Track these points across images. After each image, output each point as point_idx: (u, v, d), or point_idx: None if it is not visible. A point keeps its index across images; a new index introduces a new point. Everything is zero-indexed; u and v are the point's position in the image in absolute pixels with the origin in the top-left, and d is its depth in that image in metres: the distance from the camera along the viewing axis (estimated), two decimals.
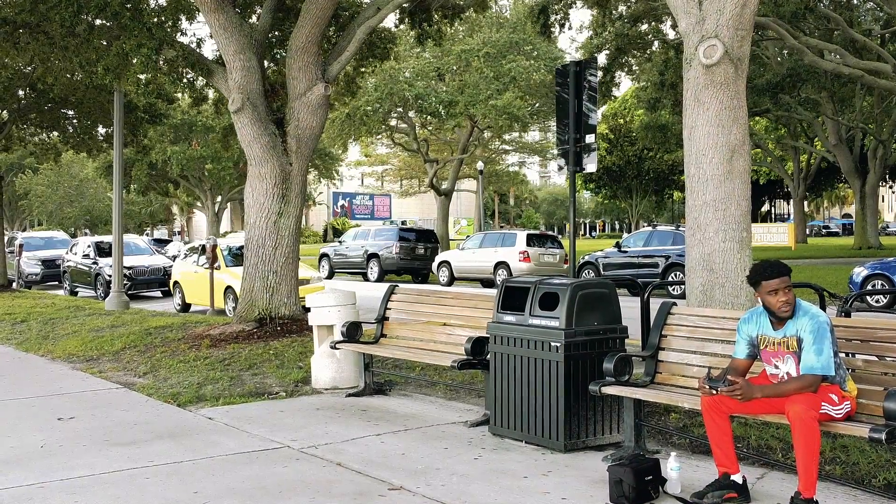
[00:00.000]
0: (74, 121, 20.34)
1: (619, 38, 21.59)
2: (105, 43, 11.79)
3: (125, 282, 19.02)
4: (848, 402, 4.23)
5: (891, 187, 76.95)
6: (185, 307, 17.43)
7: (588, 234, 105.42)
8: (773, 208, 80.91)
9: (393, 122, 35.94)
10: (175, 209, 68.68)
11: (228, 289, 15.86)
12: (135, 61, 10.86)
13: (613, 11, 21.89)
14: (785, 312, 4.30)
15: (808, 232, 72.73)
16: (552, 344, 5.46)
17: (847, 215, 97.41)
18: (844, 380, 4.30)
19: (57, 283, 24.77)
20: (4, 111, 18.72)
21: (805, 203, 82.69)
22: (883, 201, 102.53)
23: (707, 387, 4.29)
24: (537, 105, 36.05)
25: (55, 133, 20.23)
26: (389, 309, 7.64)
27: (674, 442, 5.60)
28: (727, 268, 6.53)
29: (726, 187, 6.61)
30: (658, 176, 48.46)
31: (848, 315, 7.17)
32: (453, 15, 14.35)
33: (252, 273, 10.30)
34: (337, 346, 7.42)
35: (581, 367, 5.45)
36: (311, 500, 4.61)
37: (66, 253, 23.37)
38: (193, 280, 17.24)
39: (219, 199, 50.73)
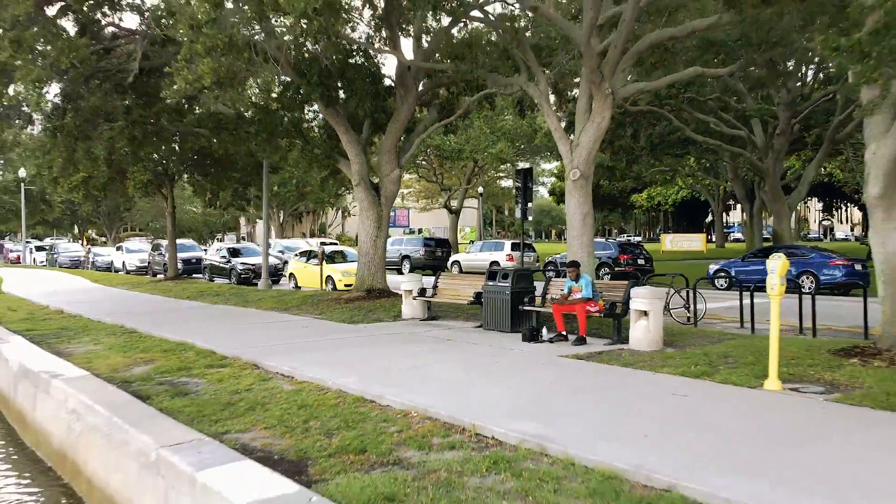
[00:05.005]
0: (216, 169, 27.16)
1: (571, 115, 28.48)
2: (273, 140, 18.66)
3: (250, 273, 26.12)
4: (598, 308, 11.19)
5: (811, 204, 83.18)
6: (297, 289, 24.43)
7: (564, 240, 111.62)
8: (714, 220, 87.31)
9: (418, 161, 43.00)
10: (242, 220, 75.92)
11: (328, 278, 22.92)
12: (296, 153, 17.86)
13: (568, 93, 28.78)
14: (571, 279, 11.31)
15: (739, 238, 79.10)
16: (505, 291, 12.46)
17: None
18: (598, 300, 11.28)
19: (187, 275, 31.64)
20: (180, 166, 25.64)
21: (742, 215, 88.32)
22: (809, 211, 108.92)
23: (551, 300, 11.30)
24: (521, 146, 43.00)
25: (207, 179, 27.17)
26: (439, 280, 14.65)
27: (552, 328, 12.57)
28: (584, 263, 13.49)
29: (583, 231, 13.58)
30: (611, 198, 56.21)
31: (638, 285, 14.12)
32: (467, 114, 21.26)
33: (362, 266, 17.32)
34: (415, 297, 14.43)
35: (517, 300, 12.44)
36: (419, 341, 11.58)
37: (206, 254, 30.49)
38: (303, 271, 24.28)
39: (282, 213, 57.77)
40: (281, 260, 28.69)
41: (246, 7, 9.89)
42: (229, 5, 9.85)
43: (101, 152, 18.15)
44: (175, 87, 10.78)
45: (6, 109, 15.24)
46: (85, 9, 11.83)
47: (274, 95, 15.88)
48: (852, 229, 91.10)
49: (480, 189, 47.12)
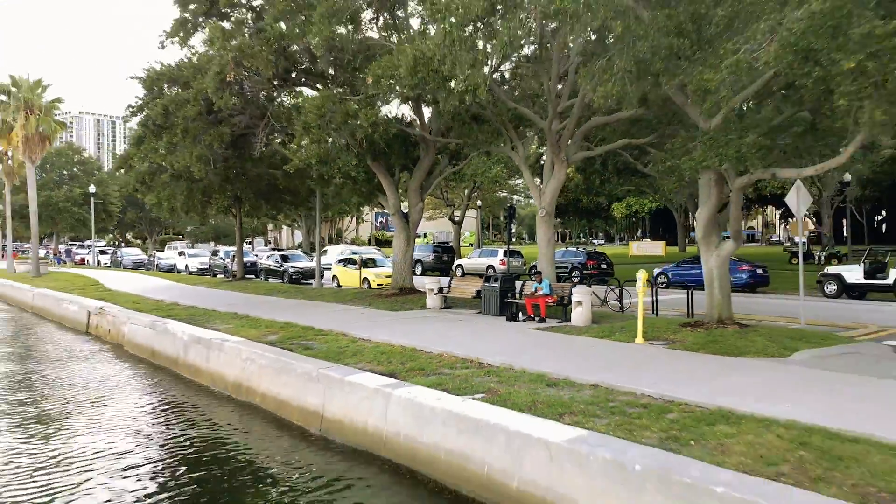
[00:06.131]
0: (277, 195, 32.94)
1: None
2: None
3: (299, 275, 31.97)
4: (553, 300, 17.05)
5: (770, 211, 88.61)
6: (339, 287, 30.20)
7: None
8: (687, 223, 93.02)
9: None
10: (270, 226, 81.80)
11: (364, 279, 28.78)
12: (347, 190, 23.72)
13: None
14: (537, 282, 17.19)
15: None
16: (496, 289, 18.33)
17: (750, 227, 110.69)
18: (554, 294, 17.14)
19: (244, 276, 37.43)
20: (249, 193, 31.43)
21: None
22: (776, 217, 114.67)
23: (524, 295, 17.18)
24: (515, 165, 48.82)
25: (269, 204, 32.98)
26: (451, 282, 20.51)
27: (525, 313, 18.43)
28: (545, 271, 19.36)
29: (547, 248, 19.42)
30: (589, 210, 62.59)
31: (589, 286, 20.00)
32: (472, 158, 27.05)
33: (396, 272, 23.16)
34: (436, 293, 20.27)
35: (503, 295, 18.29)
36: (441, 321, 17.42)
37: (260, 259, 36.34)
38: (344, 273, 30.11)
39: (307, 221, 63.51)
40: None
41: (336, 115, 15.70)
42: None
43: (199, 186, 24.04)
44: (290, 163, 16.70)
45: (159, 166, 21.13)
46: (221, 100, 17.63)
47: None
48: (809, 234, 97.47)
49: (479, 202, 52.99)
